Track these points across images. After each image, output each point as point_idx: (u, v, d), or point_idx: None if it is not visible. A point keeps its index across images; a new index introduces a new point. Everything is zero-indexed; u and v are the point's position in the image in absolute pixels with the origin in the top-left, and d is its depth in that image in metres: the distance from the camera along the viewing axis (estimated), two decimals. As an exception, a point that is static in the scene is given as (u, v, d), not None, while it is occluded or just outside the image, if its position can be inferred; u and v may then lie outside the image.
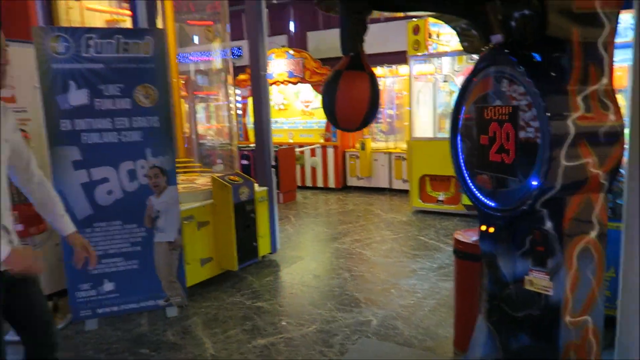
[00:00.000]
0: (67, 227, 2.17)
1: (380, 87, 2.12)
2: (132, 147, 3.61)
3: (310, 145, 9.17)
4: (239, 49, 10.82)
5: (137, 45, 3.44)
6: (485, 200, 2.30)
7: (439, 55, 6.85)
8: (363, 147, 8.73)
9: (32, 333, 2.10)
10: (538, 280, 2.15)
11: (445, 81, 7.07)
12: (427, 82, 7.22)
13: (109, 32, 3.49)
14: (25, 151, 2.12)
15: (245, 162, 7.91)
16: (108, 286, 3.75)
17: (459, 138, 2.49)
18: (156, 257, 3.83)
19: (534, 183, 1.99)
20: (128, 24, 4.92)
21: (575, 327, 2.12)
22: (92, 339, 3.50)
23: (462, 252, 2.95)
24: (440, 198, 6.92)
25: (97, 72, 3.42)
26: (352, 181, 9.12)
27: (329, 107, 1.97)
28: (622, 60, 3.07)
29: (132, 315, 3.80)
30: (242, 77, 9.43)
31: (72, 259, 2.20)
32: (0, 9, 4.02)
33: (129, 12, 4.81)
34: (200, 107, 6.11)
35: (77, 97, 3.38)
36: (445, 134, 7.15)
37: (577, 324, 2.12)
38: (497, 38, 2.21)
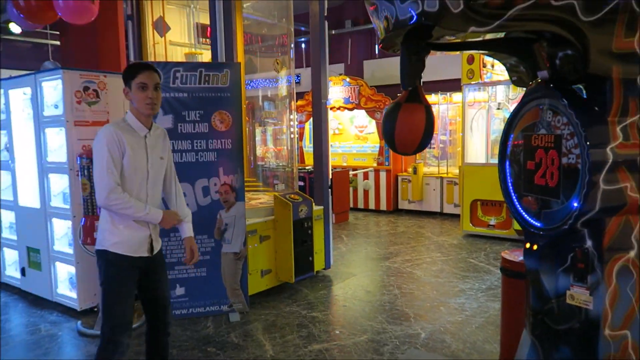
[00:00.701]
0: (187, 231, 2.77)
1: (435, 114, 2.41)
2: (207, 166, 4.04)
3: (363, 169, 9.47)
4: (298, 76, 11.38)
5: (216, 77, 3.90)
6: (531, 220, 2.51)
7: (493, 84, 7.04)
8: (415, 172, 8.94)
9: (154, 310, 2.68)
10: (578, 295, 2.32)
11: (499, 108, 7.21)
12: (480, 109, 7.40)
13: (193, 66, 3.98)
14: (172, 170, 2.74)
15: (301, 183, 8.29)
16: (180, 290, 4.16)
17: (507, 163, 2.72)
18: (223, 266, 4.21)
19: (575, 205, 2.20)
20: (205, 56, 5.48)
21: (614, 341, 2.27)
22: (165, 336, 3.89)
23: (509, 270, 3.13)
24: (492, 223, 7.00)
25: (181, 100, 3.89)
26: (403, 204, 9.31)
27: (389, 134, 2.26)
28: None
29: (200, 318, 4.18)
30: (299, 102, 9.91)
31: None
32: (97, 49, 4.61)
33: (206, 46, 5.35)
34: (258, 130, 6.56)
35: (164, 121, 3.85)
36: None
37: (616, 338, 2.27)
38: (543, 74, 2.45)
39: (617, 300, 2.25)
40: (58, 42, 9.07)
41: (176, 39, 5.55)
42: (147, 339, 2.73)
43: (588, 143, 2.13)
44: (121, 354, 2.48)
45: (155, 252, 2.61)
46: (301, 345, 3.65)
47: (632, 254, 2.25)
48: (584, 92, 2.35)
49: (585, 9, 2.03)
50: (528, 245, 2.52)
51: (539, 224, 2.46)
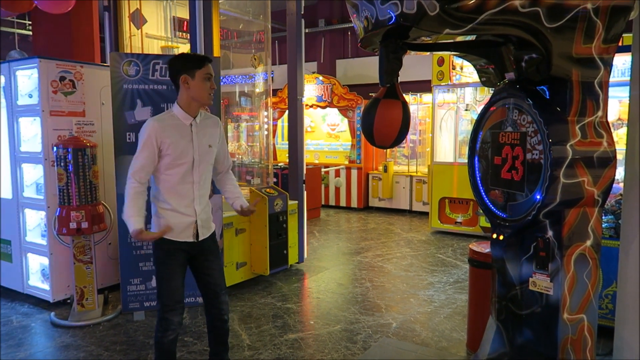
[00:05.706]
0: (240, 203, 2.85)
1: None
2: (185, 158, 4.07)
3: (335, 166, 9.61)
4: (272, 73, 11.43)
5: (196, 70, 3.94)
6: (497, 212, 2.68)
7: (462, 85, 7.28)
8: (385, 170, 9.13)
9: (206, 295, 2.81)
10: (540, 282, 2.50)
11: (467, 110, 7.46)
12: (449, 110, 7.64)
13: (173, 58, 4.01)
14: (225, 157, 2.89)
15: (274, 179, 8.36)
16: (155, 282, 4.18)
17: (476, 159, 2.89)
18: (199, 258, 4.25)
19: (538, 197, 2.37)
20: (181, 50, 5.49)
21: (572, 324, 2.46)
22: (141, 327, 3.92)
23: (476, 260, 3.31)
24: (459, 220, 7.25)
25: (160, 92, 3.92)
26: (373, 202, 9.50)
27: (368, 127, 2.39)
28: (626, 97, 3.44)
29: (175, 309, 4.21)
30: (273, 99, 9.96)
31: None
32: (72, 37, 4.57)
33: (183, 40, 5.37)
34: (230, 126, 6.60)
35: (142, 113, 3.88)
36: (465, 159, 7.53)
37: (573, 321, 2.46)
38: (510, 75, 2.63)
39: (574, 286, 2.44)
40: (24, 31, 8.86)
41: (152, 31, 5.54)
42: (206, 323, 2.92)
43: (550, 140, 2.30)
44: (173, 331, 2.64)
45: (201, 238, 2.70)
46: (277, 334, 3.74)
47: (589, 243, 2.45)
48: (547, 93, 2.54)
49: (548, 16, 2.20)
50: (495, 235, 2.69)
51: (504, 215, 2.64)
